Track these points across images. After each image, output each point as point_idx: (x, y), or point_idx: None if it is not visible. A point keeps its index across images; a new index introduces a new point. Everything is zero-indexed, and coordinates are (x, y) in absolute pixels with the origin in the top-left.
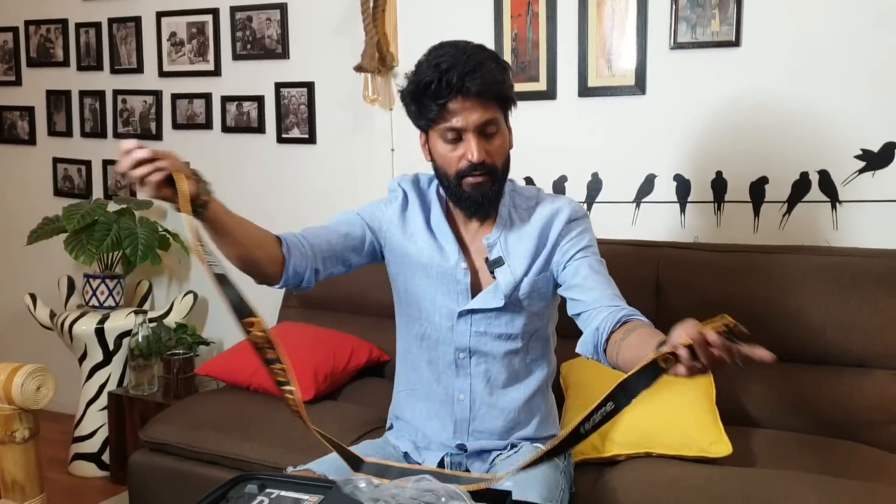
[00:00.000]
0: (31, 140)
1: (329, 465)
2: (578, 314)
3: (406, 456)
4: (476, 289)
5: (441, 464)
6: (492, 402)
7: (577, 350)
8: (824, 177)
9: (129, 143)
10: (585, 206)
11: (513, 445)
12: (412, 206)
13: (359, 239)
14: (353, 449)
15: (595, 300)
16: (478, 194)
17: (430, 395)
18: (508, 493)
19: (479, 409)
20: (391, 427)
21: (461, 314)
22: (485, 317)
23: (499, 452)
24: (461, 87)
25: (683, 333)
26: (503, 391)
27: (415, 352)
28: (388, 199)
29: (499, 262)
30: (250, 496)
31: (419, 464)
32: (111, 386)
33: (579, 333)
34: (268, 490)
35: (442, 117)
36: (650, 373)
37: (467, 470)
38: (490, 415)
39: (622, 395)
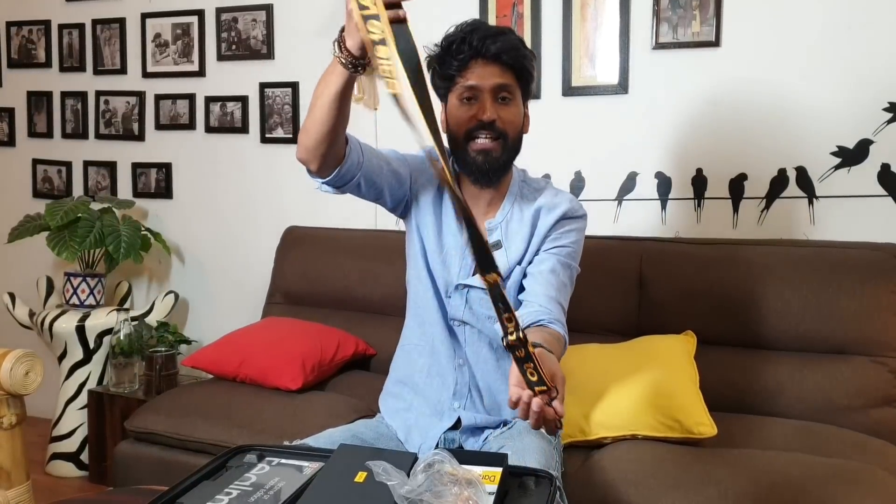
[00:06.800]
0: (11, 142)
1: (326, 440)
2: (521, 299)
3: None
4: None
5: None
6: (488, 371)
7: None
8: (801, 173)
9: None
10: None
11: (505, 423)
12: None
13: (401, 182)
14: (347, 427)
15: (534, 294)
16: (483, 161)
17: (434, 351)
18: (505, 455)
19: (479, 378)
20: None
21: (457, 287)
22: (479, 297)
23: (491, 430)
24: (481, 48)
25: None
26: (499, 363)
27: (428, 307)
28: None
29: (497, 246)
30: (250, 465)
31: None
32: (91, 384)
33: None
34: (268, 458)
35: (461, 75)
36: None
37: (461, 446)
38: (488, 384)
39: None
